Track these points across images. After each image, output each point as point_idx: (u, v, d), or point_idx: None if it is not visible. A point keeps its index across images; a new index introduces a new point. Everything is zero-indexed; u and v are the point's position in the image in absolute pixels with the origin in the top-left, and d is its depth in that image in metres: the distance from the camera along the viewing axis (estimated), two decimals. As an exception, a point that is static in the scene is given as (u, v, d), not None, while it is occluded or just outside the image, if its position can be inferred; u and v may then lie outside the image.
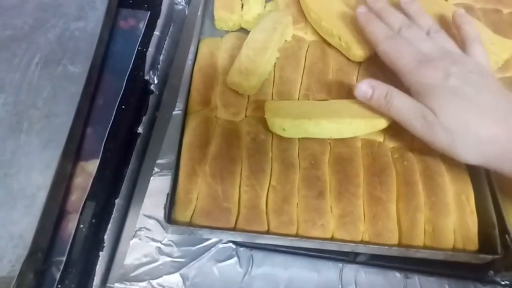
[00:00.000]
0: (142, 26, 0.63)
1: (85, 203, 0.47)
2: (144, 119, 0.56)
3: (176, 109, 0.55)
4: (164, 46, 0.64)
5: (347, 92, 0.52)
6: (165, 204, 0.43)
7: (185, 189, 0.44)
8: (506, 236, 0.43)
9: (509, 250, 0.43)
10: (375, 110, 0.45)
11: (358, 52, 0.51)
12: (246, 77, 0.47)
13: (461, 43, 0.47)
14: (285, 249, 0.49)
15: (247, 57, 0.48)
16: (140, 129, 0.56)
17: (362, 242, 0.43)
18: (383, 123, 0.47)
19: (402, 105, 0.43)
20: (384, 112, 0.44)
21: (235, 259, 0.48)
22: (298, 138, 0.48)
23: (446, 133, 0.40)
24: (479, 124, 0.40)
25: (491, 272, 0.46)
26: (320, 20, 0.54)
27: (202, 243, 0.48)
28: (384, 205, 0.44)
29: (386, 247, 0.43)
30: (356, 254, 0.49)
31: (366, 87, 0.45)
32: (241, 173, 0.45)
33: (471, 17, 0.49)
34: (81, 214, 0.47)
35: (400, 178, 0.46)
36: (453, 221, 0.45)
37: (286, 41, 0.55)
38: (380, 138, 0.50)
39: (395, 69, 0.45)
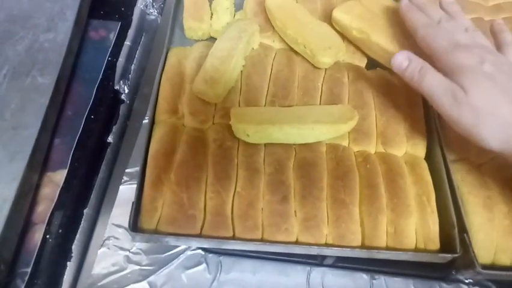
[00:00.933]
0: (113, 36, 0.63)
1: (52, 213, 0.48)
2: (114, 128, 0.57)
3: (146, 118, 0.56)
4: (136, 56, 0.65)
5: (312, 98, 0.53)
6: (130, 213, 0.43)
7: (151, 197, 0.44)
8: (465, 235, 0.45)
9: (468, 249, 0.44)
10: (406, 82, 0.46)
11: (322, 59, 0.53)
12: (211, 86, 0.48)
13: (497, 47, 0.47)
14: (254, 255, 0.49)
15: (212, 66, 0.49)
16: (110, 139, 0.56)
17: (325, 244, 0.44)
18: (345, 128, 0.48)
19: (434, 81, 0.43)
20: (415, 86, 0.45)
21: (203, 265, 0.48)
22: (265, 144, 0.49)
23: (472, 112, 0.40)
24: (508, 108, 0.40)
25: (454, 271, 0.47)
26: (286, 29, 0.55)
27: (171, 250, 0.49)
28: (348, 208, 0.45)
29: (349, 249, 0.44)
30: (323, 257, 0.49)
31: (403, 58, 0.46)
32: (206, 180, 0.46)
33: (507, 27, 0.50)
34: (48, 225, 0.47)
35: (363, 181, 0.47)
36: (414, 221, 0.46)
37: (253, 49, 0.57)
38: (345, 143, 0.51)
39: (431, 52, 0.45)
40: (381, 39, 0.53)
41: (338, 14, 0.56)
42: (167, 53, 0.56)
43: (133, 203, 0.44)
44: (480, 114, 0.40)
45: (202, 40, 0.61)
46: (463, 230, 0.45)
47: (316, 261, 0.50)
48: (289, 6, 0.57)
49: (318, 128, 0.47)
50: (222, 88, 0.49)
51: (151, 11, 0.70)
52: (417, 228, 0.46)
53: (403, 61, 0.46)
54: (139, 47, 0.66)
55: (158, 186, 0.45)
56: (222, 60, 0.49)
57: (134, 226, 0.43)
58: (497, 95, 0.41)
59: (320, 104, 0.53)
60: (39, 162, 0.49)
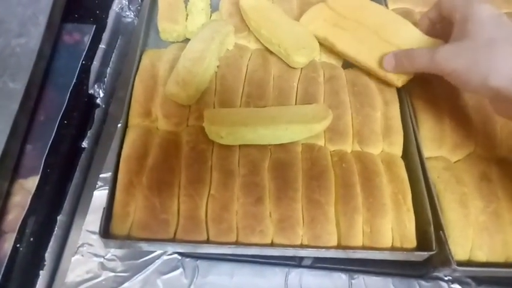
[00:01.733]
0: (87, 39, 0.63)
1: (23, 221, 0.47)
2: (89, 133, 0.56)
3: (120, 121, 0.55)
4: (112, 59, 0.64)
5: (287, 98, 0.52)
6: (101, 219, 0.42)
7: (123, 202, 0.43)
8: (441, 232, 0.45)
9: (444, 246, 0.44)
10: None
11: (296, 59, 0.52)
12: (183, 88, 0.47)
13: None
14: (231, 258, 0.49)
15: (184, 67, 0.48)
16: (85, 144, 0.55)
17: (301, 245, 0.44)
18: (319, 128, 0.48)
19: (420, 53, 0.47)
20: (409, 70, 0.50)
21: (180, 270, 0.48)
22: (239, 146, 0.48)
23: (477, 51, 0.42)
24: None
25: (432, 268, 0.47)
26: (260, 29, 0.55)
27: (146, 256, 0.48)
28: (323, 208, 0.45)
29: (324, 249, 0.43)
30: (301, 258, 0.49)
31: (389, 59, 0.50)
32: (180, 184, 0.45)
33: None
34: (19, 233, 0.46)
35: (339, 180, 0.47)
36: (390, 220, 0.46)
37: (228, 49, 0.56)
38: (321, 142, 0.50)
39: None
40: (346, 47, 0.54)
41: (304, 22, 0.56)
42: (141, 56, 0.56)
43: (104, 208, 0.43)
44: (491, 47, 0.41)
45: (177, 42, 0.61)
46: (439, 227, 0.45)
47: (295, 262, 0.49)
48: (263, 6, 0.56)
49: (292, 128, 0.46)
50: (194, 90, 0.48)
51: (127, 13, 0.70)
52: (394, 227, 0.46)
53: (391, 61, 0.50)
54: (114, 50, 0.65)
55: (130, 190, 0.44)
56: (193, 62, 0.48)
57: (106, 232, 0.42)
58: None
59: (296, 103, 0.52)
60: (9, 169, 0.48)
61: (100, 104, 0.59)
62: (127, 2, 0.69)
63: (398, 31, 0.53)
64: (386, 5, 0.64)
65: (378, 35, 0.53)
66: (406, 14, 0.64)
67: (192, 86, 0.48)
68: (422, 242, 0.46)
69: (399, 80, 0.52)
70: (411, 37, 0.52)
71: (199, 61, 0.49)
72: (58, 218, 0.49)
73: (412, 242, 0.45)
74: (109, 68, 0.63)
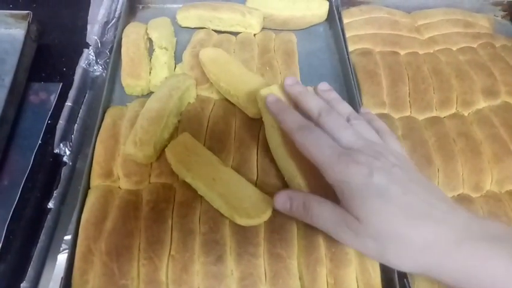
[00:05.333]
0: (54, 98, 0.63)
1: (-18, 293, 0.46)
2: (55, 192, 0.56)
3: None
4: (80, 115, 0.64)
5: (248, 149, 0.53)
6: (59, 289, 0.42)
7: (81, 270, 0.43)
8: (405, 280, 0.44)
9: (408, 294, 0.43)
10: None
11: (254, 110, 0.53)
12: (141, 148, 0.48)
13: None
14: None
15: (141, 127, 0.49)
16: (51, 204, 0.55)
17: (263, 303, 0.43)
18: (252, 222, 0.45)
19: (322, 215, 0.40)
20: (307, 222, 0.41)
21: (145, 333, 0.46)
22: (201, 201, 0.48)
23: (374, 242, 0.36)
24: (404, 228, 0.35)
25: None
26: (219, 81, 0.56)
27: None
28: (285, 262, 0.45)
29: (287, 306, 0.43)
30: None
31: (283, 199, 0.43)
32: (139, 246, 0.45)
33: (373, 114, 0.49)
34: (-23, 306, 0.45)
35: (301, 232, 0.47)
36: (354, 269, 0.45)
37: (189, 103, 0.57)
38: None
39: (314, 163, 0.40)
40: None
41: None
42: (104, 114, 0.56)
43: (62, 278, 0.42)
44: (383, 243, 0.36)
45: (142, 96, 0.62)
46: (404, 275, 0.45)
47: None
48: (222, 59, 0.58)
49: (218, 202, 0.46)
50: (152, 150, 0.48)
51: (94, 67, 0.71)
52: (358, 276, 0.45)
53: (285, 202, 0.43)
54: (82, 106, 0.65)
55: (89, 257, 0.44)
56: (150, 122, 0.49)
57: (64, 302, 0.42)
58: (394, 215, 0.35)
59: (257, 153, 0.53)
60: (-32, 240, 0.47)
61: (67, 161, 0.60)
62: (94, 57, 0.70)
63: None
64: (346, 46, 0.66)
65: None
66: (366, 54, 0.66)
67: (149, 145, 0.48)
68: (389, 290, 0.45)
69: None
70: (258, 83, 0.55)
71: (156, 120, 0.49)
72: (22, 285, 0.48)
73: (377, 290, 0.45)
74: (76, 125, 0.63)
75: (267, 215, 0.45)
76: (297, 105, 0.48)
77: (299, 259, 0.45)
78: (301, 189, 0.46)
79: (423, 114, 0.60)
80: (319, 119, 0.43)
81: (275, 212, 0.48)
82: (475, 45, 0.69)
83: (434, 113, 0.60)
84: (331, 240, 0.46)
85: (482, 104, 0.61)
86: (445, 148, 0.54)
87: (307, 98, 0.46)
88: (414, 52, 0.67)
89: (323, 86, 0.50)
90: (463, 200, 0.51)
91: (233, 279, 0.44)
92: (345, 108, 0.46)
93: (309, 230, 0.47)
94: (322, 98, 0.47)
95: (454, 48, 0.68)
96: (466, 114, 0.60)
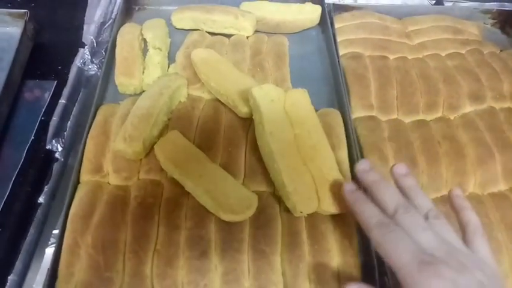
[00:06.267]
0: (48, 96, 0.64)
1: (-30, 286, 0.46)
2: (46, 188, 0.57)
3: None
4: (73, 112, 0.65)
5: (236, 147, 0.54)
6: (44, 281, 0.42)
7: (67, 262, 0.44)
8: (385, 278, 0.45)
9: (388, 291, 0.44)
10: None
11: (243, 109, 0.54)
12: (130, 144, 0.49)
13: (461, 229, 0.41)
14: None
15: (131, 124, 0.50)
16: (41, 199, 0.56)
17: (246, 298, 0.44)
18: (237, 218, 0.46)
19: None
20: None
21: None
22: (188, 197, 0.49)
23: None
24: None
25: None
26: (210, 81, 0.57)
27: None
28: (268, 258, 0.45)
29: (269, 301, 0.43)
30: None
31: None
32: (125, 240, 0.46)
33: (467, 202, 0.43)
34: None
35: (285, 229, 0.48)
36: (336, 266, 0.46)
37: (180, 101, 0.58)
38: (270, 189, 0.51)
39: (391, 265, 0.37)
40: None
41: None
42: (96, 111, 0.57)
43: (48, 269, 0.43)
44: None
45: (135, 94, 0.63)
46: (384, 272, 0.45)
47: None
48: (213, 59, 0.59)
49: (204, 199, 0.47)
50: (141, 146, 0.49)
51: (89, 66, 0.72)
52: (340, 273, 0.46)
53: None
54: (76, 104, 0.67)
55: (75, 250, 0.44)
56: (140, 119, 0.50)
57: (50, 294, 0.43)
58: None
59: (245, 153, 0.54)
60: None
61: (59, 157, 0.60)
62: (89, 56, 0.71)
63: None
64: (337, 50, 0.67)
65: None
66: (356, 58, 0.67)
67: (138, 142, 0.49)
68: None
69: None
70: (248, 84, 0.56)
71: (146, 118, 0.50)
72: (9, 278, 0.49)
73: (359, 288, 0.46)
74: (69, 122, 0.64)
75: (251, 211, 0.46)
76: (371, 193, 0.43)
77: (282, 255, 0.46)
78: (284, 188, 0.46)
79: (409, 117, 0.61)
80: (395, 215, 0.39)
81: (260, 209, 0.49)
82: (463, 51, 0.70)
83: (421, 116, 0.61)
84: (314, 237, 0.47)
85: (468, 108, 0.62)
86: (430, 150, 0.55)
87: (382, 189, 0.42)
88: (403, 57, 0.68)
89: (400, 168, 0.44)
90: (445, 201, 0.52)
91: (217, 274, 0.45)
92: (424, 202, 0.42)
93: (293, 226, 0.48)
94: (398, 183, 0.44)
95: (443, 54, 0.70)
96: (451, 117, 0.61)
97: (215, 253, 0.45)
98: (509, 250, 0.48)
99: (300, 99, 0.53)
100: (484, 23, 0.79)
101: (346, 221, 0.49)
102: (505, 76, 0.65)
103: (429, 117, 0.61)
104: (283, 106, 0.51)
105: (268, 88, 0.52)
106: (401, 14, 0.77)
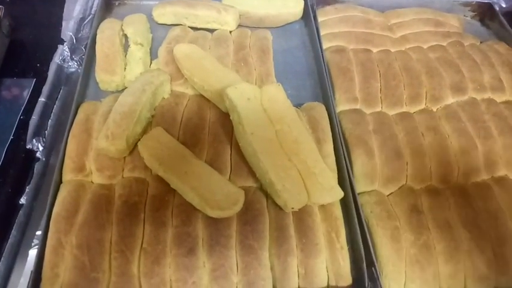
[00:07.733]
0: (27, 94, 0.63)
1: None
2: (28, 188, 0.55)
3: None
4: (54, 111, 0.64)
5: (221, 143, 0.53)
6: (28, 283, 0.41)
7: (51, 263, 0.43)
8: (373, 268, 0.45)
9: (376, 282, 0.45)
10: None
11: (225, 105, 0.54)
12: (113, 142, 0.48)
13: None
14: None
15: (113, 121, 0.49)
16: (23, 200, 0.54)
17: (234, 294, 0.44)
18: (223, 214, 0.46)
19: None
20: None
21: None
22: (175, 195, 0.49)
23: None
24: None
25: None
26: (193, 77, 0.56)
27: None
28: (256, 253, 0.45)
29: (258, 296, 0.43)
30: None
31: None
32: (111, 240, 0.45)
33: None
34: None
35: (272, 223, 0.48)
36: (324, 259, 0.46)
37: (164, 98, 0.57)
38: (257, 184, 0.51)
39: None
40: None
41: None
42: (77, 109, 0.56)
43: (31, 272, 0.42)
44: None
45: (117, 91, 0.62)
46: (371, 263, 0.46)
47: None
48: (196, 55, 0.58)
49: (191, 195, 0.46)
50: (125, 144, 0.48)
51: (69, 63, 0.70)
52: (328, 266, 0.46)
53: None
54: (56, 102, 0.65)
55: (59, 251, 0.43)
56: (123, 116, 0.49)
57: (34, 296, 0.42)
58: None
59: (231, 147, 0.53)
60: None
61: (40, 157, 0.59)
62: (69, 53, 0.70)
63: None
64: (321, 44, 0.67)
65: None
66: (340, 51, 0.67)
67: (121, 140, 0.48)
68: (359, 279, 0.46)
69: None
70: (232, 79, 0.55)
71: (128, 115, 0.50)
72: (-9, 282, 0.47)
73: (347, 279, 0.46)
74: (50, 120, 0.63)
75: (238, 206, 0.45)
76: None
77: (271, 250, 0.46)
78: (273, 186, 0.46)
79: (393, 110, 0.61)
80: None
81: (247, 204, 0.48)
82: (444, 44, 0.71)
83: (404, 109, 0.62)
84: (302, 231, 0.47)
85: (450, 99, 0.63)
86: (414, 142, 0.56)
87: None
88: (386, 50, 0.69)
89: None
90: (430, 191, 0.53)
91: (205, 271, 0.44)
92: None
93: (281, 221, 0.48)
94: None
95: (425, 46, 0.70)
96: (434, 109, 0.62)
97: (203, 250, 0.45)
98: (493, 239, 0.49)
99: (276, 94, 0.52)
100: (464, 15, 0.80)
101: (333, 214, 0.49)
102: (485, 67, 0.66)
103: (412, 109, 0.62)
104: (260, 103, 0.51)
105: (243, 87, 0.51)
106: (383, 6, 0.77)
